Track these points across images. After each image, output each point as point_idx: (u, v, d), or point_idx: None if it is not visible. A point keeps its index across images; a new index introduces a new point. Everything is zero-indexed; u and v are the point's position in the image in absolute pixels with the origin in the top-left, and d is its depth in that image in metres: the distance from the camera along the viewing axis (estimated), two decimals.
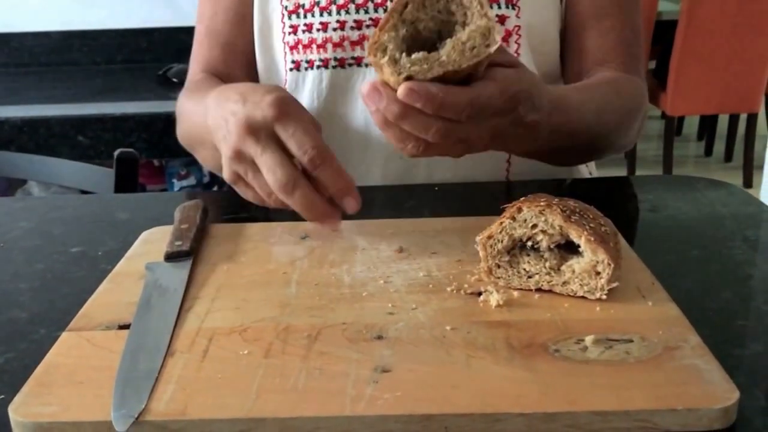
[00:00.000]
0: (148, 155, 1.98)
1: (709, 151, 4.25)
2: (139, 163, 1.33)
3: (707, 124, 4.28)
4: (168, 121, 1.93)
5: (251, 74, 1.03)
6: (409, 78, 0.58)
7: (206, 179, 2.58)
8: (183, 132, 0.95)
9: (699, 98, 3.47)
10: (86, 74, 2.34)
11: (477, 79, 0.62)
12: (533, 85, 0.68)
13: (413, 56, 0.59)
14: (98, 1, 2.40)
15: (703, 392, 0.48)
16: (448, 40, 0.59)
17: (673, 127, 3.65)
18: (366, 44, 0.88)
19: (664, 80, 3.49)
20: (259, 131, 0.66)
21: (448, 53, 0.58)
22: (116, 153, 1.30)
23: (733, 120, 4.01)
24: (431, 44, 0.62)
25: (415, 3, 0.61)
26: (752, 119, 3.64)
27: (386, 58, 0.59)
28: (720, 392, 0.48)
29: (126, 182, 1.31)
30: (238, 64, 1.01)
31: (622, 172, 3.66)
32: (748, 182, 3.65)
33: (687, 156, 4.31)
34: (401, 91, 0.58)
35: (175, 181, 2.58)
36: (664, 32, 3.47)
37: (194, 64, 1.03)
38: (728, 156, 4.11)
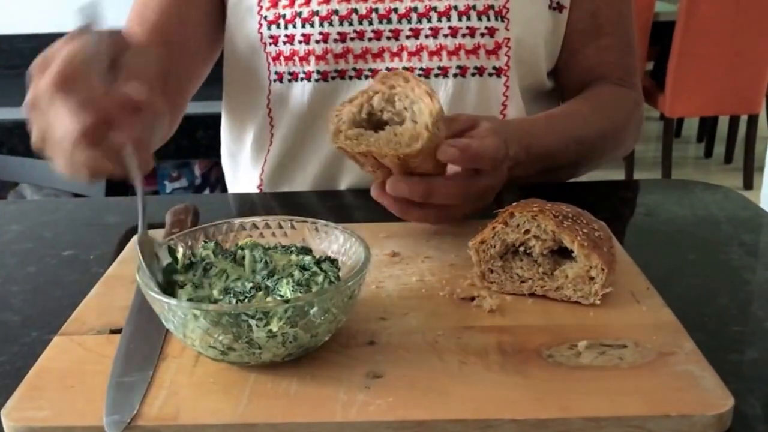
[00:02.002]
0: None
1: (709, 153, 4.24)
2: None
3: (707, 126, 4.28)
4: None
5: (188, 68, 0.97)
6: (340, 148, 0.66)
7: (198, 181, 2.58)
8: None
9: (697, 100, 3.47)
10: None
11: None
12: (502, 146, 0.71)
13: (349, 132, 0.66)
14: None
15: (698, 398, 0.48)
16: (387, 127, 0.65)
17: (671, 128, 3.64)
18: (350, 57, 0.90)
19: (661, 82, 3.48)
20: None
21: (378, 138, 0.65)
22: None
23: (734, 121, 4.00)
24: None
25: (383, 95, 0.67)
26: (753, 121, 3.63)
27: (332, 127, 0.66)
28: (714, 399, 0.48)
29: (117, 185, 1.30)
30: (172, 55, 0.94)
31: (620, 174, 3.65)
32: (748, 184, 3.64)
33: (687, 158, 4.30)
34: (389, 185, 0.67)
35: (166, 182, 2.58)
36: (661, 33, 3.47)
37: None
38: (728, 158, 4.09)
